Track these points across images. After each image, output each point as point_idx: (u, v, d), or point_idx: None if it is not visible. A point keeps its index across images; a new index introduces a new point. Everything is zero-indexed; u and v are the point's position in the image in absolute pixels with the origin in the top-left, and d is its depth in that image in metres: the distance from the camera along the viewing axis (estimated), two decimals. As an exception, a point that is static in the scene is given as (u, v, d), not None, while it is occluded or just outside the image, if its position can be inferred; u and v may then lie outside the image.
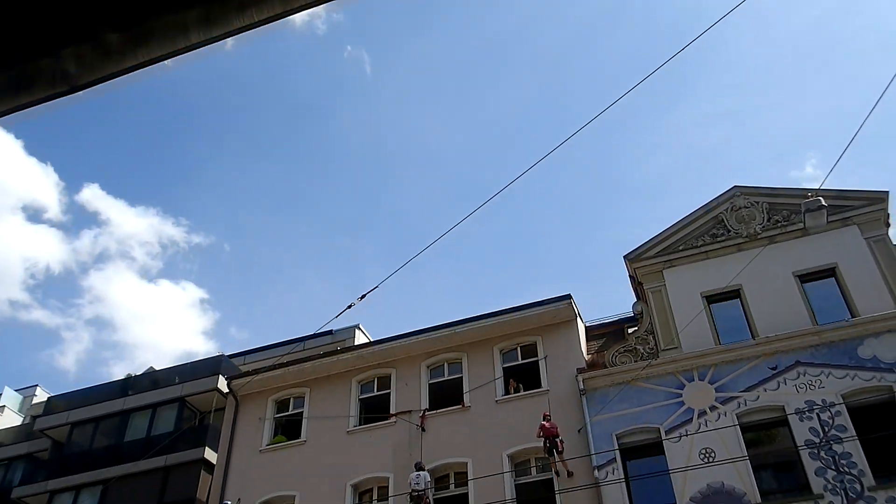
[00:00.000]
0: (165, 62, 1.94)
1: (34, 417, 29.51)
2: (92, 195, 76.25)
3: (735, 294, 17.78)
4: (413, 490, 16.53)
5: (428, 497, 16.70)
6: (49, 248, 72.85)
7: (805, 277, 17.47)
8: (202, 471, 23.05)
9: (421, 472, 16.86)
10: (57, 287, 77.76)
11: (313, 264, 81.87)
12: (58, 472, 25.43)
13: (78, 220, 76.46)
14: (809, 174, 69.19)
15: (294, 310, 79.36)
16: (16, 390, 33.32)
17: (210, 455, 22.91)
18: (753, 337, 16.87)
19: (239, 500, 18.80)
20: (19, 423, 30.85)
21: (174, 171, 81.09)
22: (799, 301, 17.08)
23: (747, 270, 17.35)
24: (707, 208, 19.01)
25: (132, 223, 76.55)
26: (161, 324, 77.15)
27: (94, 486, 24.30)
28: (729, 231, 18.56)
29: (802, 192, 17.34)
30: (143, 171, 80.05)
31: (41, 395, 32.99)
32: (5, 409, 31.34)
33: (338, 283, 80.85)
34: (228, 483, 19.59)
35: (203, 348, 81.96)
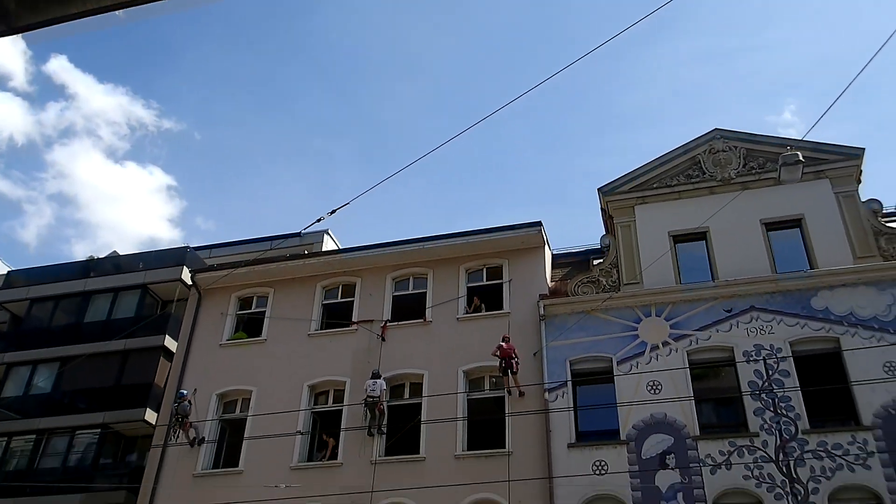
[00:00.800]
0: (117, 12, 1.77)
1: (-8, 290, 29.31)
2: (59, 67, 73.27)
3: (702, 236, 18.01)
4: (368, 396, 16.96)
5: (382, 404, 17.16)
6: (13, 118, 70.44)
7: (771, 226, 17.73)
8: (161, 358, 23.35)
9: (377, 380, 17.26)
10: (20, 158, 75.72)
11: (286, 162, 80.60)
12: (15, 345, 25.53)
13: (44, 92, 73.72)
14: (786, 120, 69.16)
15: (263, 207, 78.66)
16: (-26, 263, 32.88)
17: (170, 343, 23.15)
18: (714, 279, 17.21)
19: (195, 390, 19.10)
20: (-23, 295, 30.61)
21: (147, 51, 77.97)
22: (762, 248, 17.39)
23: (715, 214, 17.51)
24: (685, 148, 18.96)
25: (100, 100, 74.05)
26: (125, 206, 76.04)
27: (51, 363, 24.52)
28: (704, 173, 18.59)
29: (781, 143, 17.36)
30: (114, 48, 76.84)
31: (1, 268, 32.65)
32: (-37, 279, 30.99)
33: (310, 184, 80.00)
34: (187, 372, 19.85)
35: (168, 236, 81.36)
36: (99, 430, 22.62)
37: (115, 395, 23.11)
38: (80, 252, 79.96)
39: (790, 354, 15.76)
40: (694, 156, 18.86)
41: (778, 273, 16.86)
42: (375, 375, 17.47)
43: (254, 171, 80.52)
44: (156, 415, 21.13)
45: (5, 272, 29.74)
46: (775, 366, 15.69)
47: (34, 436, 23.09)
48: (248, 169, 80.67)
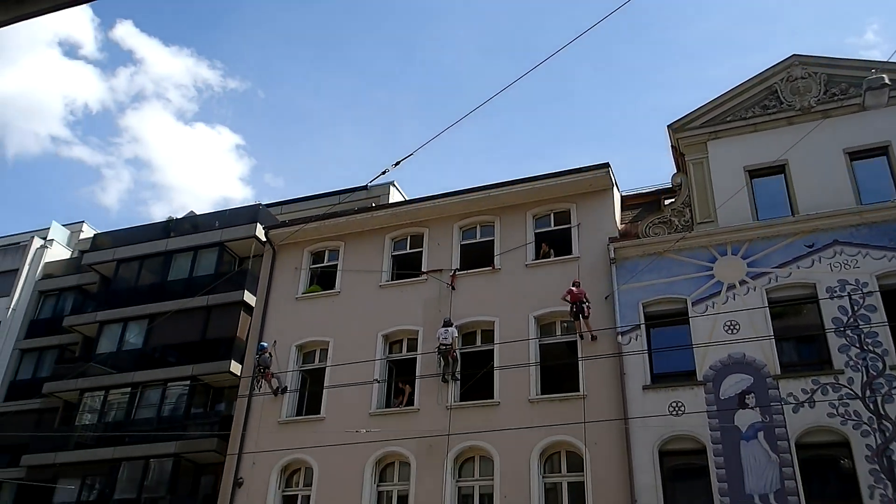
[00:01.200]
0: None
1: (82, 252, 30.85)
2: (126, 32, 74.96)
3: (780, 170, 17.28)
4: (441, 344, 17.22)
5: (454, 351, 17.41)
6: (86, 85, 72.82)
7: (855, 155, 16.85)
8: (241, 312, 24.23)
9: (449, 328, 17.47)
10: (96, 125, 78.50)
11: (349, 117, 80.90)
12: (106, 304, 26.93)
13: (113, 58, 75.73)
14: (869, 41, 64.80)
15: (328, 162, 79.47)
16: (63, 225, 34.58)
17: (249, 298, 23.98)
18: (793, 214, 16.57)
19: (275, 342, 19.79)
20: (68, 257, 32.32)
21: (209, 12, 78.80)
22: (845, 179, 16.58)
23: (795, 146, 16.74)
24: (761, 78, 18.07)
25: (167, 63, 75.63)
26: (198, 167, 78.19)
27: (140, 320, 25.78)
28: (781, 103, 17.72)
29: (865, 66, 16.34)
30: (176, 10, 77.94)
31: (87, 231, 34.25)
32: (54, 242, 32.68)
33: (373, 138, 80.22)
34: (266, 326, 20.56)
35: (239, 195, 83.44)
36: (188, 382, 23.80)
37: (201, 349, 24.20)
38: (157, 213, 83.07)
39: (877, 289, 15.11)
40: (770, 85, 17.97)
41: (863, 204, 16.08)
42: (447, 323, 17.68)
43: (317, 127, 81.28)
44: (240, 366, 22.04)
45: (91, 235, 31.22)
46: (861, 301, 15.10)
47: (129, 389, 24.48)
48: (312, 125, 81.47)
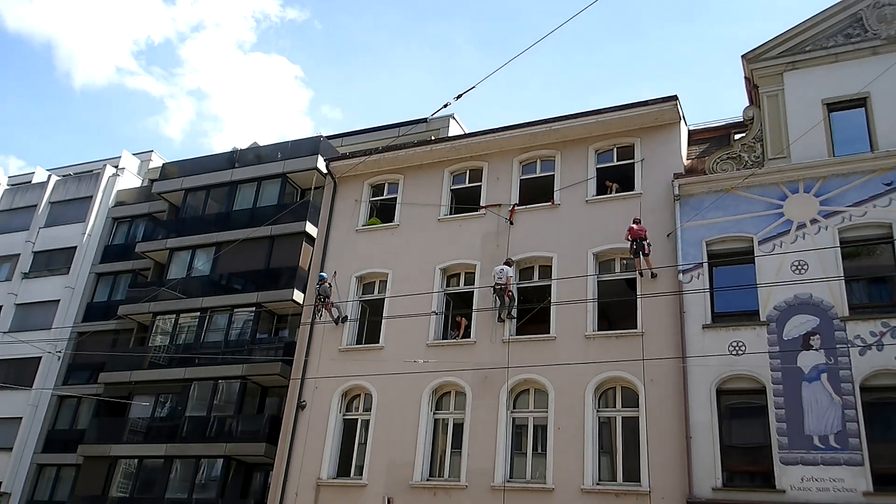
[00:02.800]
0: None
1: (151, 181, 31.84)
2: (188, -41, 74.89)
3: (861, 103, 16.36)
4: (496, 283, 17.24)
5: (510, 291, 17.42)
6: (149, 15, 73.49)
7: (944, 88, 15.79)
8: (304, 242, 24.77)
9: (505, 267, 17.45)
10: (158, 55, 79.52)
11: (407, 49, 79.69)
12: (175, 232, 27.88)
13: (176, -14, 75.88)
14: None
15: (387, 95, 78.84)
16: (133, 154, 35.60)
17: (311, 229, 24.44)
18: (873, 150, 15.77)
19: (335, 273, 20.19)
20: (138, 186, 33.39)
21: (269, -65, 77.83)
22: (932, 113, 15.62)
23: (879, 77, 15.79)
24: (845, 4, 16.93)
25: (227, -9, 75.45)
26: (256, 98, 78.73)
27: (208, 248, 26.65)
28: (866, 32, 16.63)
29: (964, -11, 15.12)
30: (237, -66, 77.18)
31: (156, 161, 35.22)
32: (125, 171, 33.74)
33: (432, 71, 78.96)
34: (327, 256, 20.96)
35: (298, 125, 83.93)
36: (254, 309, 24.63)
37: (265, 277, 24.94)
38: (218, 144, 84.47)
39: (957, 228, 14.41)
40: (855, 12, 16.84)
41: (949, 140, 15.20)
42: (507, 263, 17.66)
43: (375, 59, 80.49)
44: (302, 295, 22.67)
45: (160, 165, 32.08)
46: (939, 242, 14.45)
47: (198, 313, 25.51)
48: (370, 57, 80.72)
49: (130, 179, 33.79)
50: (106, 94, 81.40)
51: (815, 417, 14.08)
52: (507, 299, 17.38)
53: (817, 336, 14.67)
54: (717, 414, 14.88)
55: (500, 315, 17.55)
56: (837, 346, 14.40)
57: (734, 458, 14.74)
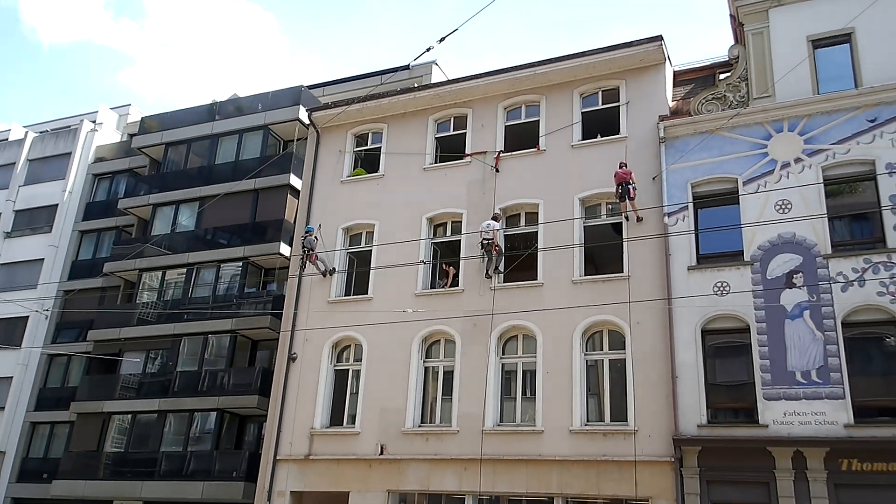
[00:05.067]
0: None
1: (131, 136, 31.30)
2: None
3: (846, 38, 16.22)
4: (484, 238, 17.21)
5: (497, 246, 17.39)
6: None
7: (929, 22, 15.66)
8: (289, 195, 24.57)
9: (492, 222, 17.38)
10: (126, 7, 77.31)
11: (386, -10, 77.84)
12: (158, 187, 27.56)
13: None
14: None
15: (366, 42, 77.32)
16: (111, 109, 34.91)
17: (295, 182, 24.22)
18: (857, 87, 15.71)
19: (320, 225, 20.09)
20: (118, 141, 32.83)
21: None
22: (916, 48, 15.53)
23: (864, 12, 15.62)
24: (831, -63, 16.64)
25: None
26: (232, 48, 77.05)
27: (191, 202, 26.40)
28: (852, -35, 16.38)
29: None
30: None
31: (135, 115, 34.57)
32: (104, 125, 33.14)
33: (410, 18, 77.30)
34: (313, 208, 20.84)
35: (276, 76, 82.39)
36: (241, 263, 24.55)
37: (251, 231, 24.80)
38: (196, 97, 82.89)
39: (940, 163, 14.49)
40: (841, -55, 16.57)
41: (933, 75, 15.16)
42: (494, 217, 17.60)
43: (351, 6, 78.66)
44: (289, 248, 22.60)
45: (139, 119, 31.50)
46: (922, 177, 14.53)
47: (185, 269, 25.41)
48: (345, 4, 78.84)
49: (109, 134, 33.21)
50: (75, 49, 79.39)
51: (798, 354, 14.35)
52: (494, 254, 17.37)
53: (800, 274, 14.85)
54: (702, 353, 15.14)
55: (487, 271, 17.57)
56: (820, 283, 14.60)
57: (719, 395, 15.05)
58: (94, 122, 32.95)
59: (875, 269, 14.32)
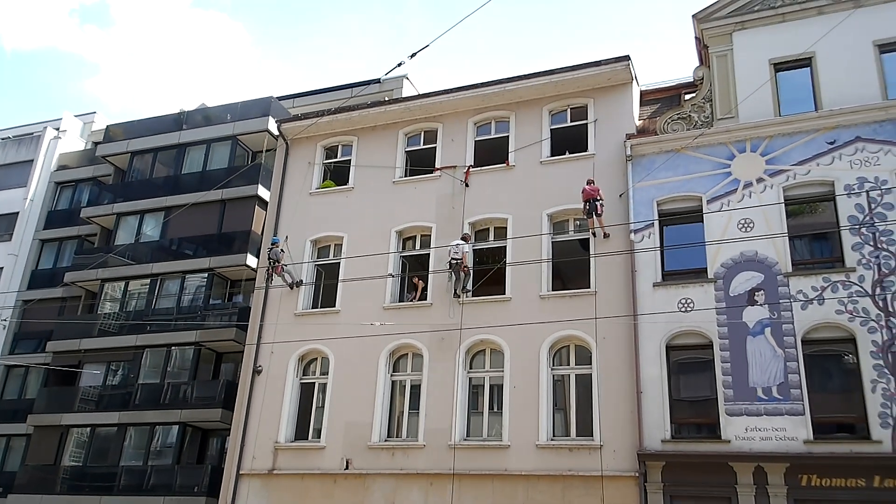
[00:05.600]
0: None
1: (95, 144, 30.82)
2: None
3: (806, 62, 16.68)
4: (452, 258, 17.22)
5: (466, 266, 17.41)
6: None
7: (885, 47, 16.20)
8: (256, 206, 24.40)
9: (461, 242, 17.41)
10: (92, 14, 76.36)
11: (354, 9, 78.01)
12: (122, 196, 27.18)
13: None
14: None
15: (336, 55, 77.32)
16: (75, 116, 34.38)
17: (263, 193, 24.07)
18: (817, 109, 16.15)
19: (286, 237, 19.95)
20: (82, 149, 32.31)
21: None
22: (873, 73, 16.05)
23: (824, 37, 16.09)
24: (792, -36, 17.14)
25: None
26: (200, 58, 76.47)
27: (156, 212, 26.06)
28: (812, -9, 16.88)
29: (906, -49, 15.42)
30: None
31: (100, 123, 34.08)
32: (67, 133, 32.60)
33: (382, 33, 77.55)
34: (281, 220, 20.70)
35: (245, 87, 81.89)
36: (206, 274, 24.28)
37: (218, 242, 24.55)
38: (165, 107, 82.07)
39: (896, 186, 14.92)
40: (802, -28, 17.08)
41: (889, 99, 15.63)
42: (463, 238, 17.64)
43: (321, 20, 78.71)
44: (256, 260, 22.42)
45: (103, 127, 31.05)
46: (879, 199, 14.96)
47: (148, 279, 25.04)
48: (316, 17, 78.88)
49: (73, 142, 32.69)
50: (40, 56, 78.09)
51: (759, 370, 14.61)
52: (462, 274, 17.39)
53: (762, 292, 15.14)
54: (667, 369, 15.32)
55: (455, 290, 17.58)
56: (781, 301, 14.90)
57: (682, 411, 15.24)
58: (57, 129, 32.41)
59: (834, 288, 14.67)
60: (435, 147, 19.79)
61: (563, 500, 15.04)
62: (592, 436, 15.40)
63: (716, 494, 14.05)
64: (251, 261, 23.32)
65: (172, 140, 27.02)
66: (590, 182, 16.74)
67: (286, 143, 21.65)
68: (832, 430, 14.05)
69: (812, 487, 13.46)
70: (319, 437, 17.77)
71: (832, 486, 13.35)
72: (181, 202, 24.33)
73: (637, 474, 14.58)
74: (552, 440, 15.73)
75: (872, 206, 14.99)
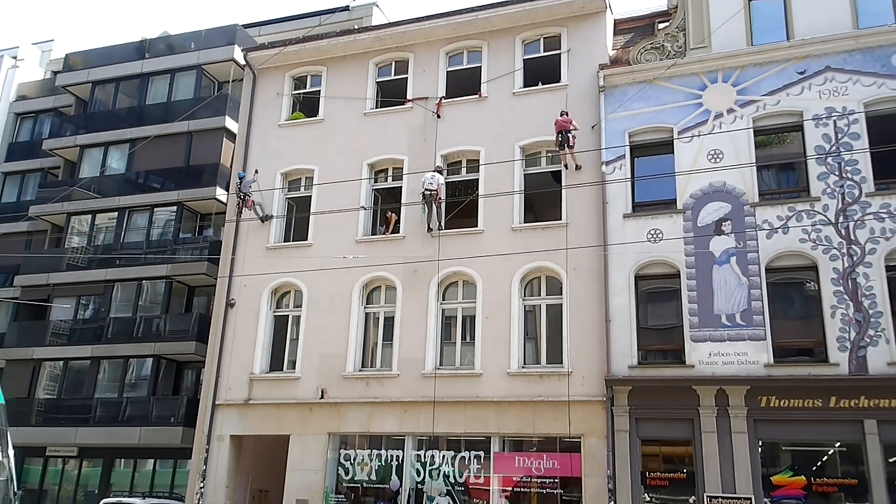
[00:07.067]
0: None
1: (55, 73, 29.83)
2: None
3: (780, -8, 16.57)
4: (425, 190, 17.16)
5: (439, 198, 17.37)
6: None
7: (859, -24, 16.13)
8: (224, 138, 23.97)
9: (437, 174, 17.31)
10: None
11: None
12: (85, 128, 26.50)
13: None
14: None
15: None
16: (33, 44, 33.08)
17: (231, 125, 23.62)
18: (788, 39, 16.15)
19: (256, 170, 19.70)
20: (41, 78, 31.24)
21: None
22: (844, 2, 16.03)
23: (799, -35, 15.99)
24: None
25: None
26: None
27: (121, 144, 25.52)
28: (789, -83, 16.64)
29: None
30: None
31: (59, 51, 32.84)
32: (25, 61, 31.43)
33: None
34: (250, 152, 20.38)
35: (210, 13, 78.99)
36: (175, 207, 23.97)
37: (186, 175, 24.18)
38: (125, 33, 78.92)
39: (863, 116, 15.10)
40: None
41: (860, 29, 15.67)
42: (437, 170, 17.51)
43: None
44: (225, 193, 22.17)
45: (63, 56, 29.96)
46: (846, 129, 15.17)
47: (116, 213, 24.68)
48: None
49: (32, 71, 31.55)
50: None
51: (724, 298, 15.01)
52: (435, 206, 17.37)
53: (729, 222, 15.42)
54: (635, 298, 15.68)
55: (428, 224, 17.58)
56: (747, 230, 15.21)
57: (649, 338, 15.68)
58: (14, 57, 31.18)
59: (799, 217, 14.99)
60: (406, 78, 19.46)
61: (533, 424, 15.54)
62: (562, 363, 15.81)
63: (679, 416, 14.61)
64: (220, 194, 23.06)
65: (135, 69, 26.24)
66: (563, 113, 16.69)
67: (253, 74, 21.13)
68: (792, 354, 14.60)
69: (771, 408, 14.06)
70: (294, 368, 18.00)
71: (790, 407, 13.95)
72: (146, 134, 23.81)
73: (604, 399, 15.07)
74: (523, 368, 16.13)
75: (839, 135, 15.21)
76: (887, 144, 14.42)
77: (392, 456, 16.64)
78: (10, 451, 10.08)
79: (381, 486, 16.62)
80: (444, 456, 16.23)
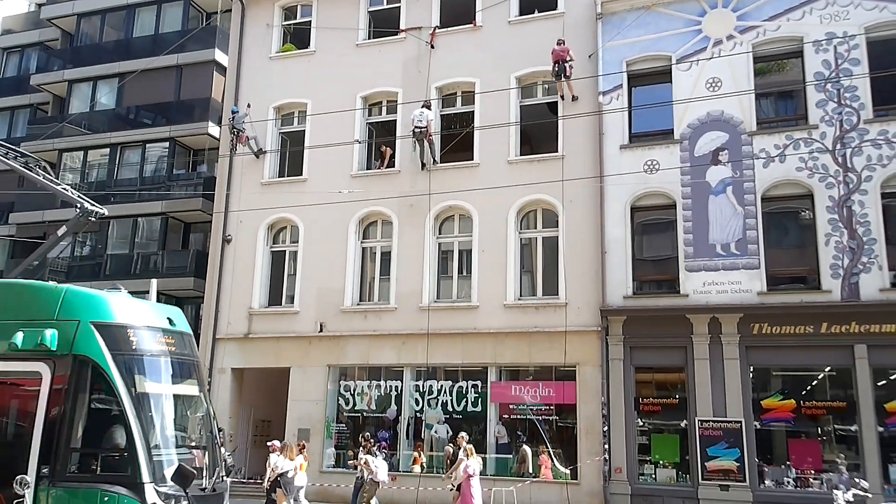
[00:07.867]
0: None
1: (39, 5, 29.05)
2: None
3: None
4: (415, 127, 16.86)
5: (430, 135, 17.09)
6: None
7: None
8: (214, 72, 23.50)
9: (425, 110, 16.96)
10: None
11: None
12: (72, 62, 25.94)
13: None
14: None
15: None
16: (12, -25, 32.05)
17: (221, 57, 23.12)
18: (791, -40, 15.73)
19: (249, 105, 19.39)
20: (25, 11, 30.44)
21: None
22: (850, -78, 15.53)
23: None
24: None
25: None
26: None
27: (110, 79, 25.03)
28: None
29: None
30: None
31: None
32: (7, -6, 30.55)
33: None
34: (241, 86, 20.03)
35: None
36: (168, 143, 23.69)
37: (177, 110, 23.82)
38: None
39: (864, 40, 14.83)
40: None
41: (864, -50, 15.26)
42: (425, 106, 17.13)
43: None
44: (218, 128, 21.87)
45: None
46: (846, 54, 14.93)
47: (108, 149, 24.39)
48: None
49: (15, 3, 30.69)
50: None
51: (719, 227, 15.07)
52: (428, 143, 17.15)
53: (726, 151, 15.34)
54: (631, 229, 15.73)
55: (422, 162, 17.39)
56: (744, 159, 15.14)
57: (645, 269, 15.82)
58: (-6, -11, 30.27)
59: (796, 146, 14.90)
60: (399, 7, 18.96)
61: (529, 354, 15.81)
62: (558, 295, 15.96)
63: (672, 345, 14.87)
64: (213, 129, 22.75)
65: (121, 1, 25.51)
66: (560, 42, 16.35)
67: (242, 4, 20.56)
68: (785, 283, 14.76)
69: (763, 335, 14.30)
70: (293, 302, 18.15)
71: (782, 334, 14.19)
72: (135, 68, 23.32)
73: (599, 328, 15.28)
74: (519, 300, 16.29)
75: (839, 61, 14.98)
76: (887, 70, 14.22)
77: (391, 386, 16.98)
78: (206, 387, 9.61)
79: (380, 415, 17.02)
80: (441, 386, 16.55)
